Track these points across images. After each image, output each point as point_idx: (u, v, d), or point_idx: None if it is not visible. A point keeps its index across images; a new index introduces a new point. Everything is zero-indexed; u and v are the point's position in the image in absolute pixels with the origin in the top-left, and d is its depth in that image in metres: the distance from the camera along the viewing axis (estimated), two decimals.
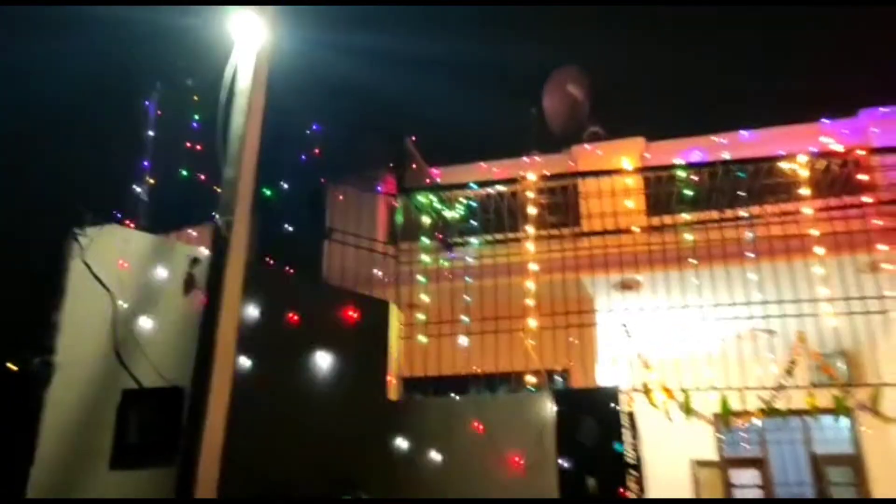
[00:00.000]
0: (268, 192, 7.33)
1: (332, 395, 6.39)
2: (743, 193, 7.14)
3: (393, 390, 6.99)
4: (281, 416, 6.02)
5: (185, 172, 7.41)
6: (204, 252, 5.70)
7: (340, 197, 8.13)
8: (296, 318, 6.51)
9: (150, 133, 7.45)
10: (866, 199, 7.10)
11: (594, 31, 9.45)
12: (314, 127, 8.11)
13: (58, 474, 5.24)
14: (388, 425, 6.50)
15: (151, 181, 7.23)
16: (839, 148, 7.63)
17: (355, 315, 6.84)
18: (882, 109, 8.41)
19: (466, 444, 6.30)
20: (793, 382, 6.35)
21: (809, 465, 10.11)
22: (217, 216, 5.02)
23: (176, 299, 5.61)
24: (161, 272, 5.74)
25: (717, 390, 6.31)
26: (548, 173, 7.99)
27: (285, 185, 7.52)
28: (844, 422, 9.72)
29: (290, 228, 7.56)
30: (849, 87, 8.85)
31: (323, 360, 6.55)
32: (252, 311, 6.08)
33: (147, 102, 7.55)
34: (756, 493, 10.18)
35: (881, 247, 6.87)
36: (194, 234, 7.54)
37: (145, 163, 7.31)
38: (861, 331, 7.37)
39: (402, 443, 6.42)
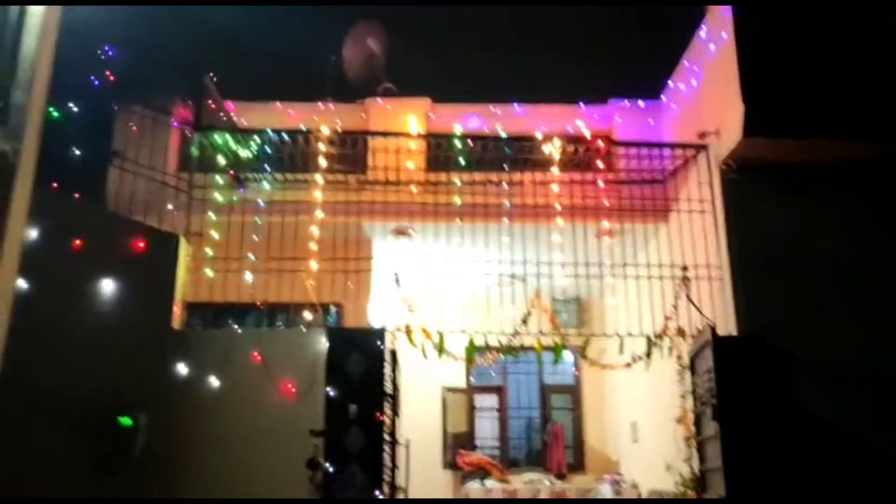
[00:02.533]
0: (55, 114, 7.18)
1: (116, 323, 6.68)
2: (506, 166, 8.23)
3: (177, 320, 7.40)
4: (62, 340, 6.25)
5: None
6: None
7: (132, 126, 8.10)
8: (80, 244, 6.66)
9: None
10: (600, 180, 8.52)
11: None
12: (108, 50, 7.95)
13: None
14: (172, 352, 6.95)
15: None
16: (587, 132, 8.98)
17: (143, 245, 7.10)
18: (626, 102, 9.94)
19: (244, 372, 6.95)
20: (527, 330, 7.64)
21: (539, 392, 12.00)
22: (3, 143, 5.01)
23: None
24: None
25: (466, 333, 7.43)
26: (339, 124, 8.61)
27: (73, 108, 7.41)
28: (568, 358, 11.67)
29: (77, 152, 7.47)
30: (606, 76, 10.19)
31: (108, 288, 6.79)
32: (34, 236, 6.15)
33: None
34: (495, 415, 11.89)
35: (605, 223, 8.38)
36: None
37: None
38: (586, 287, 8.95)
39: (183, 369, 6.91)
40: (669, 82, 9.39)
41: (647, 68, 10.05)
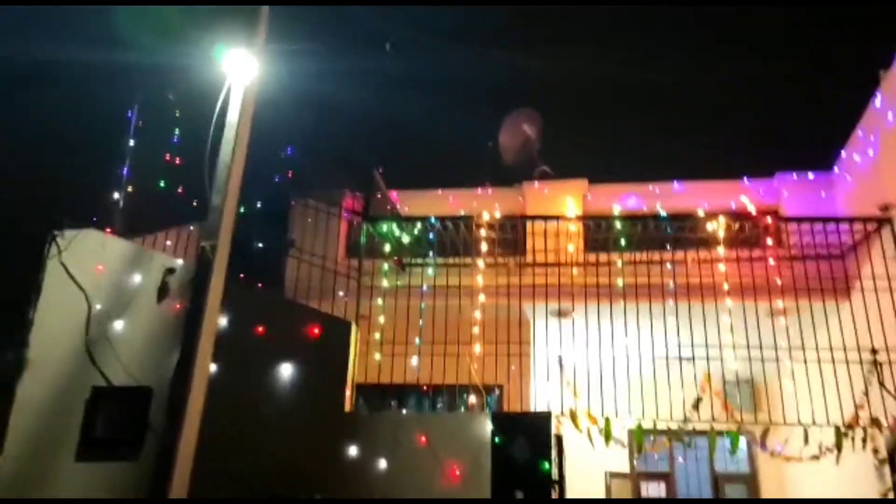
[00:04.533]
0: (242, 210, 7.87)
1: (295, 404, 7.02)
2: (668, 245, 8.06)
3: (349, 402, 7.69)
4: (247, 421, 6.61)
5: (162, 184, 7.90)
6: (178, 262, 6.17)
7: (307, 218, 8.71)
8: (262, 330, 7.13)
9: (131, 142, 7.80)
10: (771, 258, 8.12)
11: (553, 75, 10.23)
12: (287, 149, 8.70)
13: (24, 465, 5.46)
14: (344, 433, 7.19)
15: (130, 188, 7.59)
16: (752, 208, 8.65)
17: (318, 331, 7.49)
18: (794, 175, 9.51)
19: (411, 454, 7.06)
20: (698, 414, 7.29)
21: (711, 481, 11.27)
22: (202, 236, 5.47)
23: (149, 305, 5.95)
24: (136, 278, 6.04)
25: (634, 418, 7.19)
26: (498, 208, 8.83)
27: (259, 205, 8.11)
28: (743, 444, 10.90)
29: (259, 244, 8.13)
30: (769, 150, 9.85)
31: (287, 371, 7.18)
32: (224, 323, 6.64)
33: (129, 112, 7.91)
34: None
35: (780, 302, 7.91)
36: (169, 243, 8.06)
37: (125, 170, 7.69)
38: (759, 369, 8.44)
39: (354, 450, 7.13)
40: (842, 153, 8.91)
41: (816, 141, 9.66)
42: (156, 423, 5.42)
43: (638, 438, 7.19)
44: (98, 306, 5.81)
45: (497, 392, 9.11)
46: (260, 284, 7.85)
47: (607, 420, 7.16)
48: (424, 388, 8.82)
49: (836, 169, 9.19)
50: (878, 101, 7.79)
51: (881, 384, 6.94)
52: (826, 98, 9.58)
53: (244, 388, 6.73)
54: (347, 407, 7.62)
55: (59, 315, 5.80)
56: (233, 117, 5.87)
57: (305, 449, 6.83)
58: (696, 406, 7.29)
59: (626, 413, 7.34)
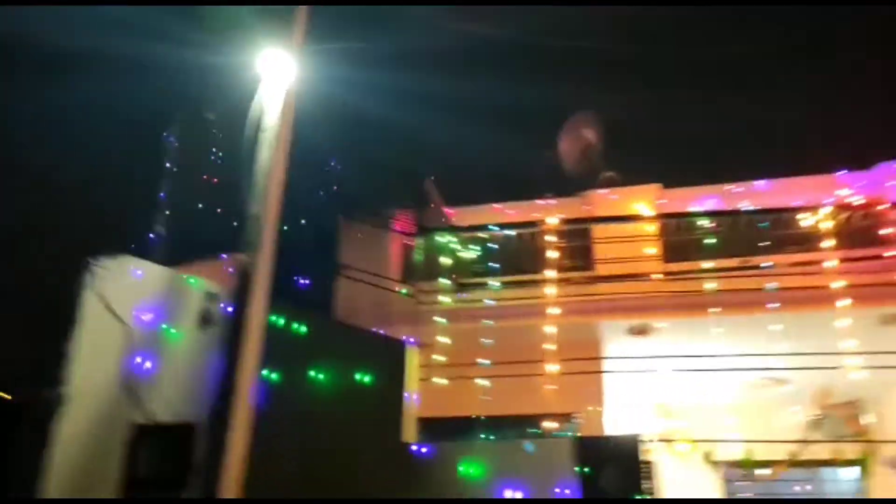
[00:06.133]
0: (285, 228, 7.28)
1: (350, 435, 6.27)
2: (766, 243, 7.13)
3: (409, 432, 6.89)
4: (299, 457, 5.91)
5: (201, 206, 7.39)
6: (221, 287, 5.70)
7: (359, 234, 8.06)
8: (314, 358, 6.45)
9: (168, 165, 7.38)
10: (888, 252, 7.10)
11: (615, 77, 9.49)
12: (332, 163, 8.11)
13: None
14: (405, 470, 6.38)
15: (168, 213, 7.16)
16: (855, 200, 7.66)
17: (372, 355, 6.76)
18: None
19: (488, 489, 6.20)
20: (815, 435, 6.27)
21: None
22: (241, 253, 5.00)
23: (190, 335, 5.56)
24: (176, 306, 5.68)
25: (741, 441, 6.20)
26: (564, 217, 8.03)
27: (303, 221, 7.50)
28: (854, 471, 9.60)
29: (306, 265, 7.50)
30: (863, 140, 8.87)
31: (339, 401, 6.46)
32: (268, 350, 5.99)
33: (167, 134, 7.51)
34: None
35: None
36: (210, 267, 7.48)
37: (162, 195, 7.25)
38: (880, 383, 7.34)
39: (417, 488, 6.30)
40: None
41: None
42: (199, 460, 5.03)
43: (748, 462, 6.17)
44: (137, 338, 5.39)
45: (575, 420, 8.15)
46: (308, 309, 7.19)
47: (710, 444, 6.19)
48: (493, 417, 8.00)
49: None
50: None
51: None
52: None
53: (292, 424, 6.07)
54: (407, 438, 6.82)
55: (97, 348, 5.35)
56: (271, 120, 5.45)
57: (361, 488, 6.07)
58: (816, 425, 6.24)
59: (727, 435, 6.35)
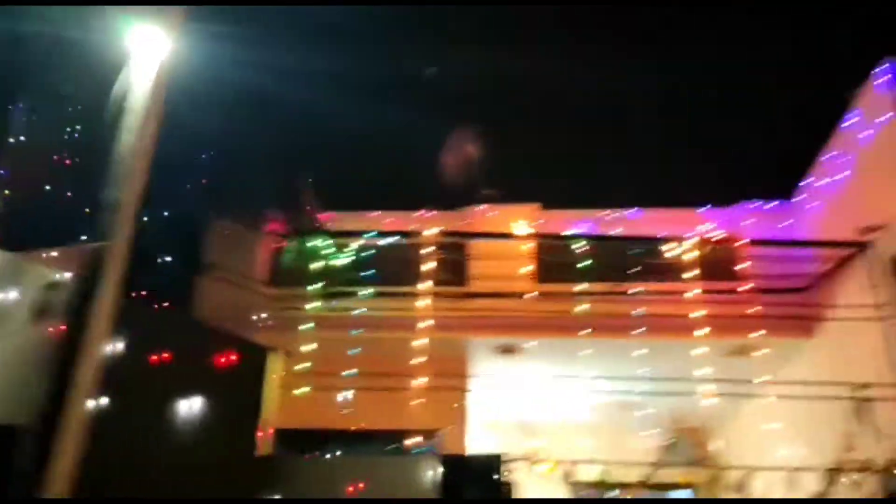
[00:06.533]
0: (145, 219, 6.75)
1: (197, 445, 5.83)
2: (635, 269, 7.32)
3: (264, 444, 6.51)
4: (138, 466, 5.42)
5: (50, 188, 6.75)
6: (65, 276, 5.18)
7: (227, 233, 7.59)
8: (163, 358, 5.97)
9: (13, 141, 6.68)
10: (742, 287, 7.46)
11: (502, 99, 9.55)
12: (204, 155, 7.62)
13: None
14: (260, 483, 6.01)
15: (9, 192, 6.47)
16: (716, 235, 8.03)
17: (232, 358, 6.36)
18: (757, 203, 8.96)
19: None
20: (668, 459, 6.44)
21: None
22: (93, 241, 4.54)
23: (23, 326, 5.01)
24: (9, 293, 5.07)
25: (600, 462, 6.28)
26: (442, 229, 7.92)
27: (166, 214, 6.98)
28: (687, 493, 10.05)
29: (167, 259, 6.98)
30: (727, 178, 9.36)
31: (189, 406, 6.01)
32: (116, 347, 5.49)
33: (15, 106, 6.79)
34: None
35: (754, 334, 7.17)
36: (54, 254, 6.81)
37: (3, 171, 6.55)
38: (727, 411, 7.68)
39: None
40: (806, 181, 8.44)
41: (771, 172, 9.25)
42: (22, 467, 4.51)
43: (604, 482, 6.25)
44: None
45: (437, 437, 8.02)
46: (166, 304, 6.69)
47: (570, 465, 6.23)
48: (355, 431, 7.74)
49: (799, 197, 8.70)
50: (850, 121, 7.35)
51: (866, 423, 6.22)
52: (780, 129, 9.19)
53: (136, 428, 5.57)
54: (263, 450, 6.44)
55: None
56: (139, 101, 5.01)
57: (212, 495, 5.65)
58: (670, 448, 6.42)
59: (586, 456, 6.41)
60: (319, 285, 7.49)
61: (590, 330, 7.12)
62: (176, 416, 5.95)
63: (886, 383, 6.34)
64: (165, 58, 5.12)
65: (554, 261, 7.77)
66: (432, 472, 5.93)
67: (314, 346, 7.16)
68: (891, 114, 6.57)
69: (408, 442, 6.94)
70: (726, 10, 8.84)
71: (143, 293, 6.54)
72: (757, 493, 6.32)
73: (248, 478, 6.04)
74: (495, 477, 5.96)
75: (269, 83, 6.97)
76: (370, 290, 7.74)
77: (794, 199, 8.75)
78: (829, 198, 7.89)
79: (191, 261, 7.41)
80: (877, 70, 6.83)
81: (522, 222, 8.70)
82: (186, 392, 6.02)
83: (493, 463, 6.08)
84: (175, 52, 5.16)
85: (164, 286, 6.87)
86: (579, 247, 7.47)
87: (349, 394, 6.94)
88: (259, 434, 6.48)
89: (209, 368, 6.31)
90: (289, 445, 7.75)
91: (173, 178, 7.35)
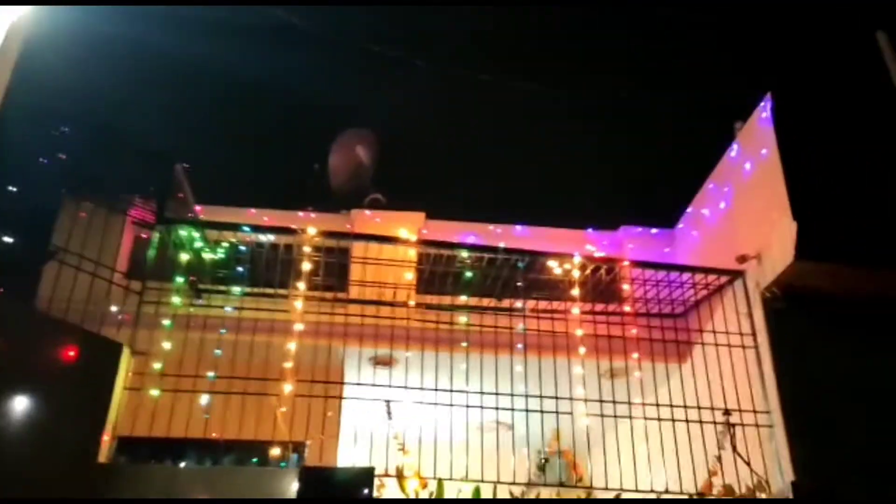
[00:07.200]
0: None
1: (27, 449, 5.15)
2: (519, 284, 7.18)
3: (106, 451, 5.85)
4: None
5: None
6: None
7: (83, 214, 6.87)
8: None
9: None
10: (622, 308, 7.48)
11: (396, 97, 9.27)
12: (64, 128, 6.88)
13: None
14: (97, 492, 5.37)
15: None
16: (599, 256, 8.04)
17: (76, 353, 5.69)
18: (638, 228, 9.13)
19: None
20: (544, 478, 6.29)
21: None
22: None
23: None
24: None
25: (471, 482, 6.02)
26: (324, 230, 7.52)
27: (12, 189, 6.23)
28: None
29: (8, 240, 6.21)
30: (612, 202, 9.49)
31: (21, 405, 5.32)
32: None
33: None
34: None
35: (635, 355, 7.18)
36: None
37: None
38: (600, 432, 7.64)
39: None
40: (688, 209, 8.65)
41: (656, 199, 9.45)
42: None
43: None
44: None
45: (302, 449, 7.55)
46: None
47: (440, 482, 5.94)
48: (211, 442, 7.14)
49: (680, 225, 8.91)
50: (733, 152, 7.57)
51: (734, 448, 6.31)
52: (667, 156, 9.41)
53: None
54: (103, 458, 5.78)
55: None
56: None
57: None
58: (541, 468, 6.26)
59: (458, 475, 6.15)
60: (183, 280, 6.88)
61: (467, 343, 6.90)
62: (8, 416, 5.27)
63: (750, 409, 6.50)
64: (22, 13, 4.57)
65: (437, 271, 7.53)
66: (294, 485, 5.49)
67: (173, 344, 6.55)
68: (766, 150, 6.79)
69: (272, 452, 6.43)
70: (624, 31, 9.00)
71: None
72: None
73: (87, 485, 5.40)
74: (365, 492, 5.58)
75: (147, 51, 6.37)
76: (241, 288, 7.24)
77: (675, 228, 8.97)
78: (708, 227, 8.11)
79: (38, 243, 6.64)
80: (761, 104, 7.06)
81: (407, 230, 8.44)
82: (20, 389, 5.34)
83: (362, 477, 5.69)
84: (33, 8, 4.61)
85: (3, 269, 6.11)
86: (464, 258, 7.27)
87: (208, 399, 6.36)
88: (105, 439, 5.84)
89: (49, 364, 5.64)
90: (135, 455, 7.08)
91: (26, 151, 6.63)
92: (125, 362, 6.14)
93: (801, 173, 6.44)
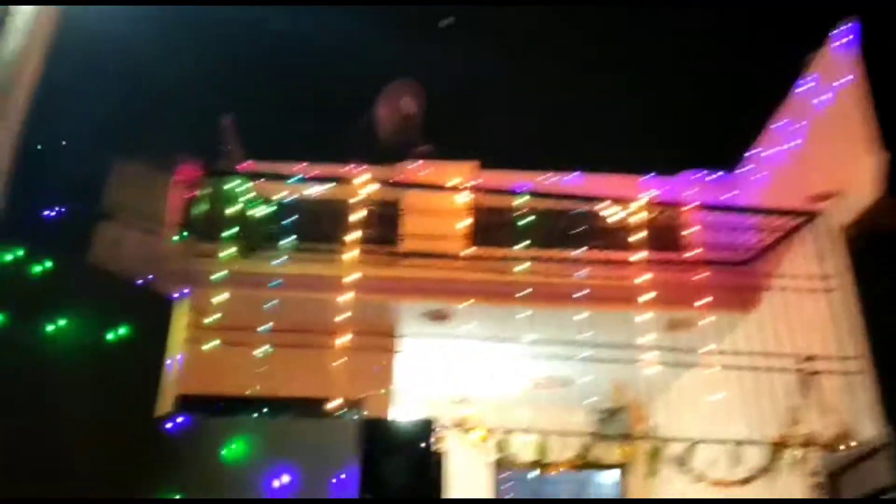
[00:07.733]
0: (38, 147, 5.94)
1: (88, 401, 5.12)
2: (578, 230, 6.90)
3: (166, 405, 5.83)
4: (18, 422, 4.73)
5: None
6: None
7: (134, 173, 6.79)
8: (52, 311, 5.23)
9: None
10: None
11: (441, 48, 8.98)
12: (115, 88, 6.78)
13: None
14: (158, 449, 5.34)
15: None
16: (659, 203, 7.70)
17: (133, 308, 5.64)
18: (698, 173, 8.67)
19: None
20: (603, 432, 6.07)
21: None
22: None
23: None
24: None
25: (535, 433, 5.84)
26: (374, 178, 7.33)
27: (64, 143, 6.17)
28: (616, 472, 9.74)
29: (59, 196, 6.17)
30: (670, 147, 9.08)
31: (83, 359, 5.30)
32: None
33: None
34: None
35: (698, 302, 6.85)
36: None
37: None
38: (663, 385, 7.38)
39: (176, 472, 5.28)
40: (750, 151, 8.19)
41: (712, 143, 9.01)
42: None
43: (540, 456, 5.82)
44: None
45: (362, 403, 7.45)
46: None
47: (505, 435, 5.76)
48: (268, 399, 7.13)
49: (744, 168, 8.45)
50: (803, 86, 7.09)
51: (811, 397, 5.99)
52: (724, 98, 8.96)
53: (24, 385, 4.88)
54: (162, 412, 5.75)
55: None
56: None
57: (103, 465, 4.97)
58: (604, 420, 6.04)
59: (522, 427, 5.97)
60: (234, 232, 6.78)
61: (529, 290, 6.66)
62: (69, 369, 5.25)
63: (832, 356, 6.14)
64: None
65: (492, 221, 7.29)
66: (355, 437, 5.37)
67: (227, 303, 6.48)
68: (850, 76, 6.31)
69: (329, 406, 6.35)
70: None
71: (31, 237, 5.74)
72: (699, 467, 6.01)
73: (146, 439, 5.38)
74: (423, 444, 5.44)
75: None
76: (293, 244, 7.12)
77: (738, 170, 8.51)
78: (777, 167, 7.65)
79: (91, 200, 6.60)
80: (836, 31, 6.57)
81: (459, 180, 8.17)
82: (82, 343, 5.32)
83: (422, 429, 5.55)
84: None
85: (57, 225, 6.08)
86: (519, 205, 7.00)
87: (263, 352, 6.29)
88: (162, 393, 5.81)
89: (108, 321, 5.60)
90: (193, 412, 7.07)
91: (75, 111, 6.55)
92: (181, 317, 6.07)
93: (892, 101, 5.93)
